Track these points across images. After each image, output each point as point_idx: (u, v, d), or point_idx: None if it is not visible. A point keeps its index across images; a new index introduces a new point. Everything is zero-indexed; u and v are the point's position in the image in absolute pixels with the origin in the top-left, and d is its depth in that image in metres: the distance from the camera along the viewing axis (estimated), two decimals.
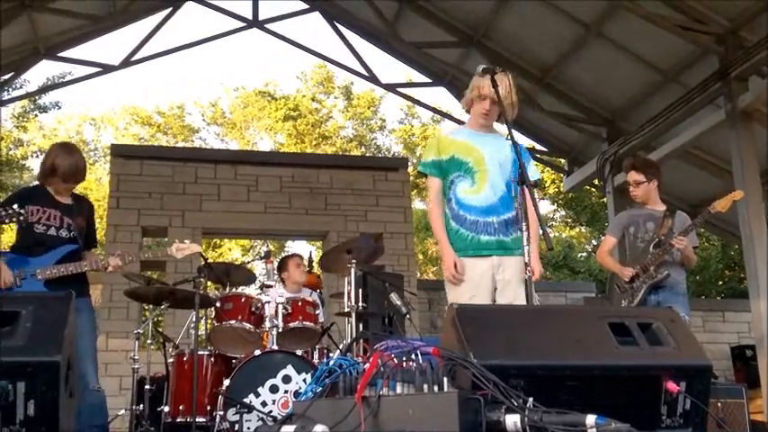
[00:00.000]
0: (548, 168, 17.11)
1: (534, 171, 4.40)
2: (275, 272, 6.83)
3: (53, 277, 4.82)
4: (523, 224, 3.86)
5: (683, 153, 10.43)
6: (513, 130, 4.18)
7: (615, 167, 11.35)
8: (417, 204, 21.62)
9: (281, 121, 24.86)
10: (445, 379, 2.57)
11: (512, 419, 2.43)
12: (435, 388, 2.56)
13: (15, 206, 4.51)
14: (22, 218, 4.51)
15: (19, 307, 2.65)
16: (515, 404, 2.47)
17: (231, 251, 22.99)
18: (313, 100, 25.93)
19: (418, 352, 2.66)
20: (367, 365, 2.61)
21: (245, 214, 10.84)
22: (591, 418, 2.35)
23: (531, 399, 2.49)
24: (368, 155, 24.50)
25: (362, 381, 2.55)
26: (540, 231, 4.03)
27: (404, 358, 2.65)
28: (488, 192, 4.26)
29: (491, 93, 4.20)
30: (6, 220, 4.50)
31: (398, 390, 2.57)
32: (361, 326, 6.14)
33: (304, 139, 24.72)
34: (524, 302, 3.86)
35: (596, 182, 12.62)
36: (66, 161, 5.09)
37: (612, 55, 10.22)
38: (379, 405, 2.52)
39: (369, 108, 25.84)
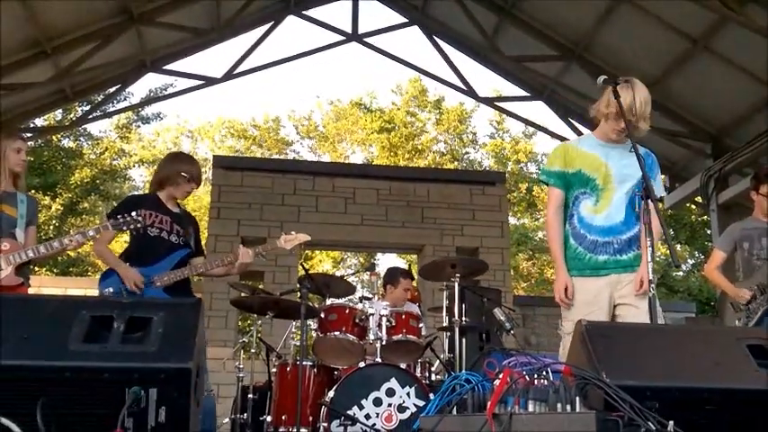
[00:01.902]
0: None
1: (661, 187, 4.30)
2: (379, 284, 6.80)
3: (170, 283, 4.91)
4: (648, 240, 3.71)
5: None
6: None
7: (720, 184, 10.98)
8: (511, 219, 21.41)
9: (376, 133, 24.96)
10: (577, 398, 2.48)
11: None
12: (567, 407, 2.46)
13: (134, 213, 4.60)
14: (140, 225, 4.59)
15: (150, 313, 2.67)
16: (655, 428, 2.35)
17: (322, 263, 23.15)
18: (408, 113, 25.95)
19: (549, 370, 2.56)
20: (496, 382, 2.53)
21: (342, 226, 10.91)
22: None
23: (671, 422, 2.37)
24: (460, 169, 24.39)
25: (494, 397, 2.47)
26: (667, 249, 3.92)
27: (534, 376, 2.56)
28: (611, 210, 4.13)
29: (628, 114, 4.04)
30: (124, 227, 4.60)
31: (530, 408, 2.48)
32: (464, 341, 6.05)
33: (397, 151, 24.76)
34: (646, 320, 3.73)
35: (698, 199, 12.20)
36: (194, 167, 5.32)
37: (720, 69, 9.88)
38: (511, 422, 2.44)
39: (460, 122, 25.73)
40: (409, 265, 11.22)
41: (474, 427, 2.45)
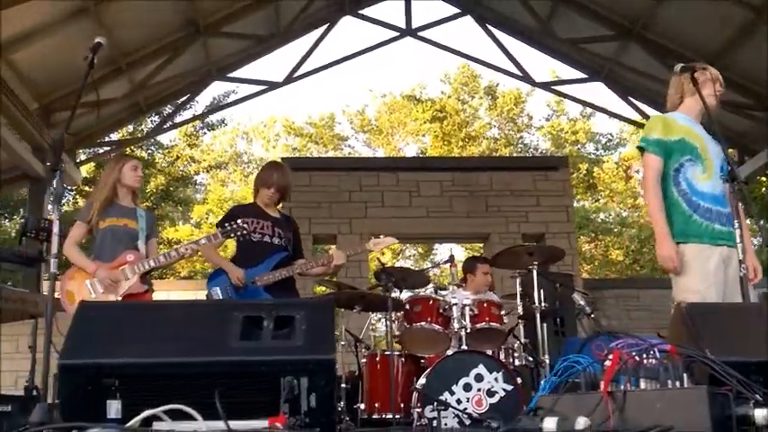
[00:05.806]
0: None
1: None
2: (458, 274, 6.99)
3: (270, 282, 5.28)
4: (736, 221, 3.85)
5: None
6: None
7: None
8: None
9: (428, 123, 25.06)
10: (685, 375, 2.65)
11: (761, 413, 2.48)
12: (677, 384, 2.64)
13: (239, 221, 4.97)
14: (245, 231, 4.95)
15: (292, 312, 2.98)
16: (762, 399, 2.52)
17: (384, 254, 23.38)
18: (459, 101, 25.97)
19: (656, 349, 2.75)
20: (607, 363, 2.73)
21: (408, 219, 11.13)
22: None
23: None
24: (515, 154, 24.37)
25: (606, 376, 2.66)
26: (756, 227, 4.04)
27: (643, 355, 2.74)
28: (716, 181, 4.10)
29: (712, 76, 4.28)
30: (231, 234, 5.01)
31: (642, 385, 2.67)
32: (545, 326, 6.20)
33: (450, 140, 24.80)
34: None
35: None
36: (267, 173, 5.68)
37: None
38: (625, 399, 2.63)
39: (516, 106, 25.65)
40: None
41: (589, 404, 2.65)
